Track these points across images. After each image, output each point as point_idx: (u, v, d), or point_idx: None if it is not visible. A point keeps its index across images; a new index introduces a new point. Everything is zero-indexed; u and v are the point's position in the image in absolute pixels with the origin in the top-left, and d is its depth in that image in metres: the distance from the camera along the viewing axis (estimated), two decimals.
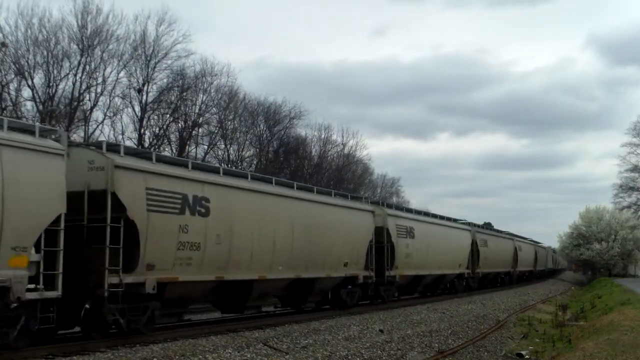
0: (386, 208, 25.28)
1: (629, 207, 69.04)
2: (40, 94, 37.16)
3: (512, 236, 49.42)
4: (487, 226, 51.67)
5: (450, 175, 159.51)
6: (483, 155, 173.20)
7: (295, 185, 19.31)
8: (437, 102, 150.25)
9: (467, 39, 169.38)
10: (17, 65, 35.99)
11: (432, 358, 14.25)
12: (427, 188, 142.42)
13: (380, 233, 23.78)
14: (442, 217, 33.75)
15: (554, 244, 76.87)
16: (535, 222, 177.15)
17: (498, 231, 48.45)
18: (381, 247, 23.77)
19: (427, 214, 33.08)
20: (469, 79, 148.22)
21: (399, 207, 29.22)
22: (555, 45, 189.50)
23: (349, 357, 13.22)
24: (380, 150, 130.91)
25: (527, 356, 16.02)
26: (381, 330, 17.11)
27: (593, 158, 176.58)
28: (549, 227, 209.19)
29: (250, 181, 17.09)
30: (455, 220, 35.71)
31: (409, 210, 29.99)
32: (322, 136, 61.24)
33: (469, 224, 37.41)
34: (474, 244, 35.70)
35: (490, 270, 40.14)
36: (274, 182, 18.29)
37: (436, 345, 15.93)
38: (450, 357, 14.71)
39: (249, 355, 12.45)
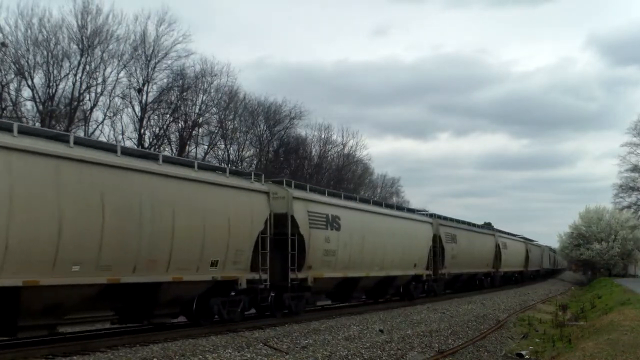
0: (293, 189, 19.40)
1: (629, 207, 69.08)
2: (40, 94, 37.20)
3: (493, 231, 44.00)
4: (487, 226, 50.96)
5: (450, 175, 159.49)
6: (483, 155, 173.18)
7: (119, 150, 13.45)
8: (437, 102, 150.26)
9: (467, 39, 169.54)
10: (17, 65, 36.00)
11: (432, 358, 14.25)
12: (427, 188, 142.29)
13: (283, 222, 18.30)
14: (388, 206, 28.41)
15: (554, 244, 77.00)
16: (536, 222, 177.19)
17: (475, 225, 41.26)
18: (283, 240, 18.27)
19: (364, 200, 26.56)
20: (469, 79, 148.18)
21: (317, 190, 22.47)
22: (556, 45, 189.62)
23: (349, 357, 13.23)
24: (380, 150, 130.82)
25: (527, 356, 16.02)
26: (381, 330, 17.11)
27: (593, 158, 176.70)
28: (549, 227, 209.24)
29: (17, 136, 11.17)
30: (411, 211, 30.87)
31: (335, 195, 23.33)
32: (322, 136, 61.29)
33: (431, 215, 31.90)
34: (437, 239, 30.06)
35: (462, 271, 34.27)
36: (71, 140, 12.26)
37: (436, 345, 15.94)
38: (450, 357, 14.71)
39: (249, 355, 12.45)
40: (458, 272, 33.70)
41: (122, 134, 41.65)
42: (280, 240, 18.22)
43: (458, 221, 36.57)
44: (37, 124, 34.17)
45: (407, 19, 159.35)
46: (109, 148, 13.68)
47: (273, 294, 18.25)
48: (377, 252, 23.68)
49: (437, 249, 30.19)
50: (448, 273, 31.65)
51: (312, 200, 20.12)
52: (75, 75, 37.94)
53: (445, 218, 33.84)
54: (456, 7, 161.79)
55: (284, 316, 18.62)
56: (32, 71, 36.64)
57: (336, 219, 20.82)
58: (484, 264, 39.28)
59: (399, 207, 30.00)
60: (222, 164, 44.30)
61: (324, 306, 23.92)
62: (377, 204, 27.41)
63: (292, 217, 18.60)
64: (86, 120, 39.77)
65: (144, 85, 41.32)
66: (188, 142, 45.54)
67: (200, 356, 12.00)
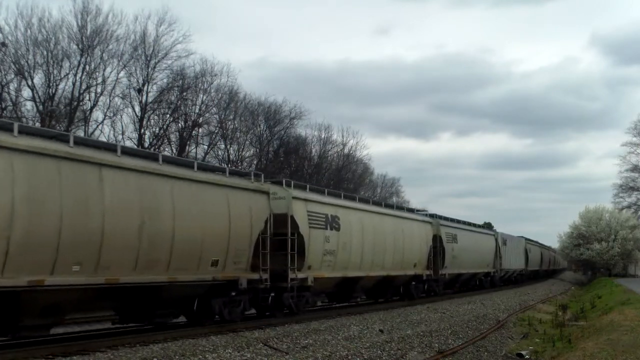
0: (440, 219, 31.68)
1: (629, 207, 69.09)
2: (40, 94, 37.19)
3: (494, 232, 44.03)
4: (487, 226, 51.37)
5: (451, 175, 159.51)
6: (484, 155, 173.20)
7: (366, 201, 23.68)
8: (439, 101, 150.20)
9: (470, 38, 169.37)
10: (17, 65, 35.98)
11: (432, 358, 14.24)
12: (428, 188, 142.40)
13: (435, 239, 29.21)
14: (474, 225, 35.20)
15: (554, 243, 76.97)
16: (536, 222, 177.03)
17: (474, 225, 39.80)
18: (434, 252, 29.21)
19: (468, 223, 35.97)
20: (471, 78, 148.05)
21: (448, 218, 34.44)
22: (559, 44, 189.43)
23: (349, 357, 13.23)
24: (382, 150, 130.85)
25: (527, 356, 16.02)
26: (381, 330, 17.11)
27: (595, 158, 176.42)
28: (549, 227, 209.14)
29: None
30: (482, 227, 38.33)
31: (453, 220, 35.35)
32: (322, 136, 61.17)
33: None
34: (497, 247, 37.94)
35: (510, 268, 42.37)
36: (343, 195, 23.05)
37: (436, 345, 15.93)
38: (450, 357, 14.71)
39: (249, 355, 12.44)
40: (509, 268, 44.74)
41: (122, 134, 41.69)
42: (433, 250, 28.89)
43: (510, 236, 47.04)
44: (37, 124, 34.16)
45: (409, 19, 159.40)
46: (334, 194, 22.31)
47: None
48: (475, 255, 35.84)
49: (497, 254, 40.28)
50: (504, 271, 43.55)
51: (447, 226, 31.79)
52: (75, 75, 38.00)
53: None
54: (459, 7, 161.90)
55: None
56: (32, 71, 36.68)
57: (455, 236, 32.32)
58: (519, 264, 48.98)
59: (480, 225, 40.08)
60: (222, 164, 44.28)
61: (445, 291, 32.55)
62: (475, 225, 37.63)
63: (440, 237, 29.48)
64: (86, 120, 39.79)
65: (143, 85, 41.32)
66: (188, 142, 45.55)
67: (200, 356, 11.99)
